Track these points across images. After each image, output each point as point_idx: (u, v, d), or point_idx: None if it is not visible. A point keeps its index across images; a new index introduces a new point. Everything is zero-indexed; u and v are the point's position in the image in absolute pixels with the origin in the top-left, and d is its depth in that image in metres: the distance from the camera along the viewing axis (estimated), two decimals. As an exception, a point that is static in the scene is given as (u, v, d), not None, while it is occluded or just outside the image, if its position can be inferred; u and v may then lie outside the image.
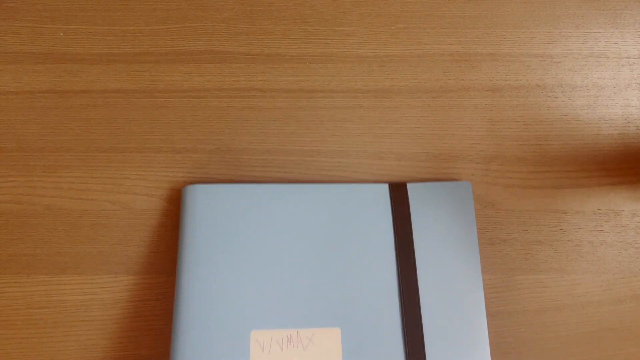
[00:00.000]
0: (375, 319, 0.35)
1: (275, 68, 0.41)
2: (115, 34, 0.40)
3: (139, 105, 0.40)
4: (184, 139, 0.40)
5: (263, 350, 0.35)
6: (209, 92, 0.40)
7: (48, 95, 0.39)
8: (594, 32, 0.40)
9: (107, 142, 0.40)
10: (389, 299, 0.36)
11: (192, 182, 0.39)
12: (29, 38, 0.39)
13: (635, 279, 0.40)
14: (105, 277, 0.40)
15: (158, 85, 0.40)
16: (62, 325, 0.40)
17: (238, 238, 0.36)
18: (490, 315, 0.39)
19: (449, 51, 0.41)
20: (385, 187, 0.38)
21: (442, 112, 0.40)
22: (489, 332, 0.38)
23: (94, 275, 0.40)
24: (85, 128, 0.40)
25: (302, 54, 0.40)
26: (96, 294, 0.40)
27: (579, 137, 0.40)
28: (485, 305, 0.38)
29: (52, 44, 0.39)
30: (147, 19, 0.40)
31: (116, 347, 0.40)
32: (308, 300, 0.35)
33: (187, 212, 0.37)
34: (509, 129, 0.40)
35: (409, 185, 0.38)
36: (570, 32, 0.40)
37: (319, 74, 0.40)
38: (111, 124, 0.40)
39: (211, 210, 0.37)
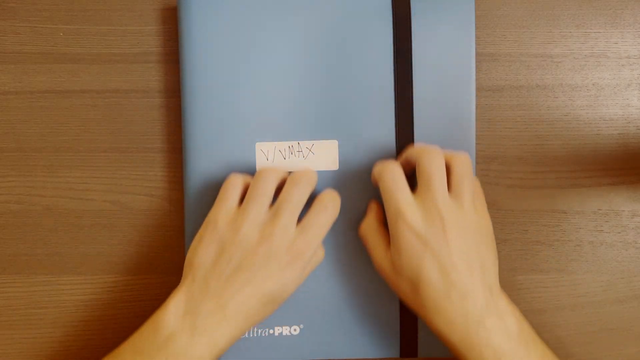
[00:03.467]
0: (371, 131, 0.37)
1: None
2: (115, 34, 0.40)
3: (139, 105, 0.40)
4: (184, 139, 0.40)
5: (267, 159, 0.37)
6: (209, 92, 0.40)
7: (48, 95, 0.39)
8: (594, 32, 0.40)
9: (107, 142, 0.40)
10: (384, 113, 0.37)
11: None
12: (29, 38, 0.39)
13: (636, 279, 0.40)
14: (105, 277, 0.40)
15: (158, 85, 0.40)
16: (62, 325, 0.40)
17: (238, 52, 0.37)
18: (490, 315, 0.39)
19: (449, 51, 0.41)
20: None
21: (442, 112, 0.40)
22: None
23: (94, 275, 0.40)
24: (85, 128, 0.40)
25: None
26: (96, 294, 0.40)
27: (579, 137, 0.40)
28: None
29: (52, 44, 0.39)
30: (147, 19, 0.40)
31: (116, 347, 0.40)
32: (308, 114, 0.37)
33: (185, 28, 0.37)
34: (509, 129, 0.40)
35: None
36: (570, 32, 0.40)
37: None
38: (111, 124, 0.40)
39: (210, 22, 0.37)
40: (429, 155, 0.33)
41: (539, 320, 0.40)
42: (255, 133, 0.37)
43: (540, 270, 0.40)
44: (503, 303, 0.33)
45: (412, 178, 0.35)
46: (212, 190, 0.37)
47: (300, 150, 0.37)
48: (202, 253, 0.33)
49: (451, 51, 0.37)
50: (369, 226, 0.36)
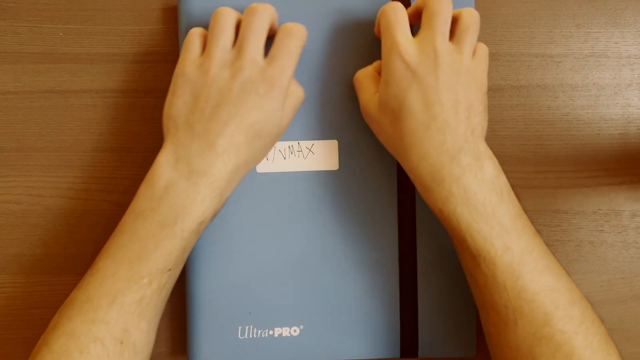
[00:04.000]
0: (371, 132, 0.37)
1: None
2: (115, 34, 0.40)
3: (138, 105, 0.40)
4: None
5: (267, 159, 0.37)
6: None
7: (48, 95, 0.39)
8: (595, 32, 0.40)
9: (107, 142, 0.40)
10: None
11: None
12: (29, 38, 0.39)
13: (636, 279, 0.40)
14: (105, 277, 0.40)
15: (158, 85, 0.40)
16: (62, 325, 0.40)
17: None
18: (491, 315, 0.38)
19: (449, 51, 0.41)
20: None
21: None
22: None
23: (93, 275, 0.40)
24: (85, 128, 0.40)
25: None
26: (96, 294, 0.40)
27: (580, 137, 0.40)
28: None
29: (52, 44, 0.39)
30: (147, 18, 0.40)
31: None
32: (308, 114, 0.37)
33: (185, 28, 0.37)
34: (509, 129, 0.40)
35: None
36: (570, 32, 0.40)
37: None
38: (111, 124, 0.40)
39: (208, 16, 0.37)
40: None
41: (539, 321, 0.40)
42: None
43: (541, 271, 0.40)
44: (483, 146, 0.32)
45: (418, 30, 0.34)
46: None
47: (300, 150, 0.37)
48: (178, 102, 0.33)
49: None
50: (365, 71, 0.36)
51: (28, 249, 0.40)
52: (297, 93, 0.35)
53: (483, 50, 0.34)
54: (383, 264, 0.37)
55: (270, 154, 0.37)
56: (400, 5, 0.34)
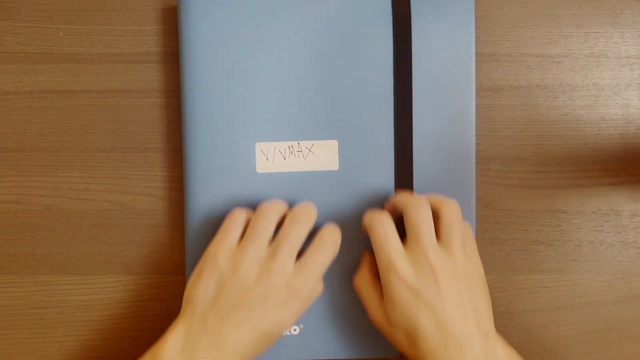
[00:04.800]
0: (370, 131, 0.37)
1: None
2: (115, 34, 0.40)
3: (139, 105, 0.40)
4: (184, 139, 0.40)
5: (267, 159, 0.37)
6: (209, 92, 0.40)
7: (48, 95, 0.39)
8: (594, 32, 0.40)
9: (107, 142, 0.40)
10: (384, 113, 0.38)
11: (192, 182, 0.39)
12: (29, 38, 0.39)
13: (636, 279, 0.40)
14: (105, 277, 0.40)
15: (158, 85, 0.40)
16: (62, 325, 0.40)
17: (238, 52, 0.37)
18: (490, 315, 0.39)
19: (449, 51, 0.41)
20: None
21: (442, 112, 0.40)
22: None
23: (94, 275, 0.40)
24: (85, 128, 0.40)
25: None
26: (96, 294, 0.40)
27: (579, 137, 0.40)
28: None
29: (52, 44, 0.39)
30: (147, 18, 0.40)
31: (116, 347, 0.40)
32: (308, 114, 0.37)
33: (185, 28, 0.37)
34: (509, 129, 0.40)
35: None
36: (570, 32, 0.40)
37: None
38: (111, 124, 0.40)
39: (210, 22, 0.37)
40: (416, 208, 0.34)
41: (539, 320, 0.40)
42: (255, 133, 0.37)
43: (540, 270, 0.40)
44: (500, 348, 0.33)
45: (400, 223, 0.35)
46: (213, 191, 0.37)
47: (300, 150, 0.37)
48: (201, 288, 0.33)
49: (451, 51, 0.37)
50: (363, 279, 0.36)
51: (28, 249, 0.40)
52: (316, 291, 0.36)
53: (470, 236, 0.35)
54: None
55: (270, 154, 0.37)
56: (386, 218, 0.34)
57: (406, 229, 0.34)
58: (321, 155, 0.37)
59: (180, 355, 0.32)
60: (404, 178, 0.37)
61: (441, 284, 0.32)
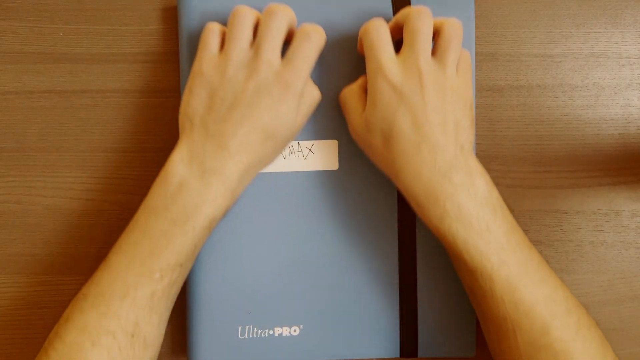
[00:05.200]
0: None
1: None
2: (115, 34, 0.40)
3: (139, 105, 0.40)
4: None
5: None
6: (209, 92, 0.40)
7: (48, 95, 0.39)
8: (595, 32, 0.40)
9: (107, 142, 0.40)
10: None
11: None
12: (29, 38, 0.39)
13: (636, 279, 0.40)
14: (105, 277, 0.40)
15: (158, 85, 0.40)
16: (62, 325, 0.40)
17: None
18: (491, 315, 0.38)
19: (449, 51, 0.41)
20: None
21: (442, 112, 0.40)
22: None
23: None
24: (85, 128, 0.40)
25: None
26: (96, 294, 0.40)
27: (580, 137, 0.40)
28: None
29: (52, 44, 0.39)
30: (147, 19, 0.40)
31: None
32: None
33: (185, 28, 0.37)
34: (509, 129, 0.40)
35: None
36: (570, 32, 0.40)
37: None
38: (111, 124, 0.40)
39: (210, 22, 0.36)
40: (418, 14, 0.33)
41: (539, 321, 0.40)
42: None
43: (541, 271, 0.40)
44: (474, 162, 0.33)
45: (400, 44, 0.34)
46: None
47: (300, 150, 0.37)
48: (195, 101, 0.33)
49: None
50: (351, 90, 0.36)
51: (28, 249, 0.40)
52: (312, 94, 0.35)
53: (466, 61, 0.35)
54: (383, 264, 0.37)
55: None
56: (382, 23, 0.34)
57: (404, 35, 0.34)
58: (321, 155, 0.37)
59: (189, 167, 0.32)
60: None
61: (426, 89, 0.32)
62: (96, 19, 0.40)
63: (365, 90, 0.35)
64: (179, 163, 0.33)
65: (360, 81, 0.36)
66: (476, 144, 0.39)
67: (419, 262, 0.37)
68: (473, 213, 0.32)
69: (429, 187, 0.32)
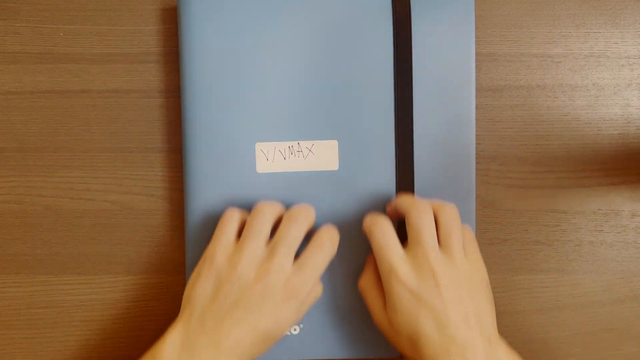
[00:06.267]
0: (370, 131, 0.37)
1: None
2: (115, 34, 0.40)
3: (139, 105, 0.40)
4: (184, 139, 0.40)
5: (267, 160, 0.37)
6: (209, 92, 0.40)
7: (48, 95, 0.39)
8: (594, 32, 0.40)
9: (107, 142, 0.40)
10: (384, 113, 0.38)
11: (192, 182, 0.39)
12: (29, 38, 0.39)
13: (636, 279, 0.40)
14: (105, 277, 0.40)
15: (158, 85, 0.40)
16: (62, 325, 0.40)
17: (238, 52, 0.37)
18: (490, 315, 0.38)
19: (449, 51, 0.41)
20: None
21: (442, 112, 0.40)
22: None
23: (94, 275, 0.40)
24: (85, 128, 0.40)
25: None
26: (96, 294, 0.40)
27: (579, 137, 0.40)
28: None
29: (52, 44, 0.39)
30: (147, 19, 0.40)
31: (116, 347, 0.40)
32: (308, 115, 0.37)
33: (185, 28, 0.37)
34: (509, 129, 0.40)
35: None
36: (570, 32, 0.40)
37: None
38: (111, 124, 0.40)
39: (210, 22, 0.37)
40: (418, 211, 0.34)
41: (539, 320, 0.40)
42: (255, 133, 0.37)
43: (540, 270, 0.40)
44: (503, 352, 0.32)
45: (402, 226, 0.35)
46: (213, 191, 0.37)
47: (300, 150, 0.37)
48: (200, 289, 0.33)
49: (451, 51, 0.37)
50: (368, 281, 0.36)
51: (28, 249, 0.40)
52: (315, 292, 0.35)
53: (471, 240, 0.35)
54: None
55: (270, 154, 0.37)
56: (386, 222, 0.34)
57: (408, 232, 0.34)
58: (321, 155, 0.37)
59: (179, 355, 0.32)
60: (404, 178, 0.37)
61: (442, 287, 0.32)
62: (96, 19, 0.40)
63: (379, 277, 0.35)
64: (170, 349, 0.32)
65: (372, 268, 0.36)
66: (476, 144, 0.39)
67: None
68: None
69: None
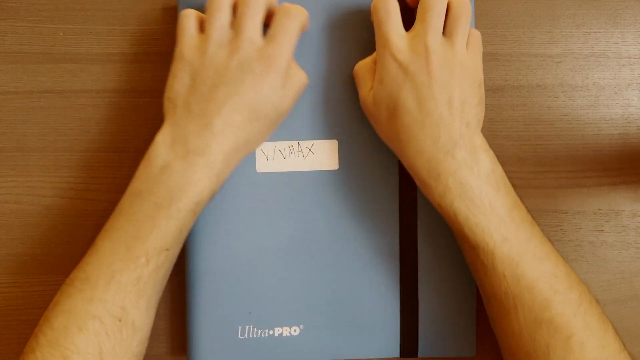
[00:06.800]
0: (370, 131, 0.37)
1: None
2: (115, 34, 0.40)
3: (138, 105, 0.40)
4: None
5: (267, 159, 0.37)
6: (209, 92, 0.40)
7: (48, 95, 0.39)
8: (595, 32, 0.40)
9: (107, 142, 0.40)
10: None
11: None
12: (29, 38, 0.39)
13: (636, 279, 0.40)
14: (105, 277, 0.40)
15: (158, 85, 0.40)
16: (62, 325, 0.39)
17: None
18: (491, 315, 0.38)
19: (449, 51, 0.41)
20: None
21: (442, 112, 0.40)
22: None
23: (93, 275, 0.40)
24: (85, 128, 0.40)
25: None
26: (96, 294, 0.40)
27: (580, 137, 0.40)
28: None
29: (52, 44, 0.39)
30: (147, 18, 0.40)
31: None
32: (308, 114, 0.37)
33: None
34: (509, 129, 0.40)
35: None
36: (570, 32, 0.40)
37: None
38: (111, 124, 0.40)
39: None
40: None
41: (539, 321, 0.40)
42: None
43: (541, 271, 0.40)
44: (479, 140, 0.33)
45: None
46: (212, 190, 0.37)
47: (300, 150, 0.37)
48: (177, 85, 0.33)
49: None
50: (364, 64, 0.36)
51: (28, 249, 0.40)
52: (298, 76, 0.35)
53: (476, 39, 0.35)
54: (383, 264, 0.37)
55: (270, 153, 0.37)
56: (392, 1, 0.34)
57: (417, 11, 0.34)
58: (321, 155, 0.37)
59: (172, 149, 0.32)
60: (406, 177, 0.37)
61: (432, 65, 0.32)
62: (96, 19, 0.40)
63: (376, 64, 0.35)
64: (162, 145, 0.32)
65: (374, 55, 0.36)
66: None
67: (420, 263, 0.37)
68: (475, 190, 0.31)
69: (431, 164, 0.32)
